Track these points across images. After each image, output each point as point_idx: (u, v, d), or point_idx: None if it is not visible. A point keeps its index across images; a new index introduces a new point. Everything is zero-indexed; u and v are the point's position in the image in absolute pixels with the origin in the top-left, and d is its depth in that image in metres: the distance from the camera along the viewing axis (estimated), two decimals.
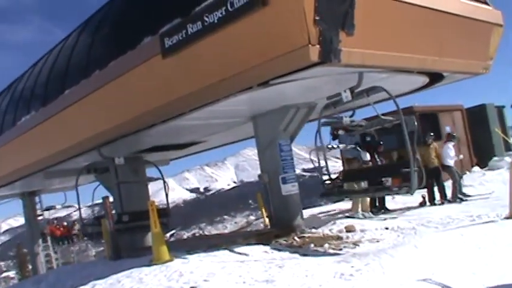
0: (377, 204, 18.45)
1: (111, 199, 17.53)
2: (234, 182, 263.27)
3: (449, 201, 18.18)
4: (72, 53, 17.22)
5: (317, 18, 9.38)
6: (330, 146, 14.03)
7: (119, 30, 14.85)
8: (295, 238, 13.41)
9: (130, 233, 17.59)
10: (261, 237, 13.73)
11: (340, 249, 11.70)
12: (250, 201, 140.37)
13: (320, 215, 18.78)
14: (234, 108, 13.52)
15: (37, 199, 30.09)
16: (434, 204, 18.05)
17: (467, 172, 25.67)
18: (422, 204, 18.34)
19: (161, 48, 12.06)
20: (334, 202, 21.30)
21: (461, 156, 20.47)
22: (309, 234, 14.05)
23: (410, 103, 24.69)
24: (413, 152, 10.98)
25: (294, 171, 15.14)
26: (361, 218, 16.29)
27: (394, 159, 19.73)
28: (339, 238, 13.21)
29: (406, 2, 11.28)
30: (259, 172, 15.69)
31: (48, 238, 28.93)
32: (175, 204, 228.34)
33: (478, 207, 15.32)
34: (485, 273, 8.59)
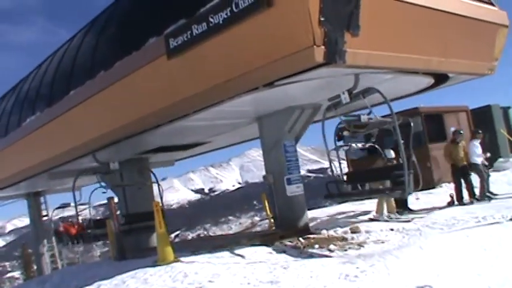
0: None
1: (116, 200, 17.63)
2: (239, 183, 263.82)
3: (478, 200, 17.42)
4: (78, 53, 17.25)
5: (322, 19, 9.37)
6: (347, 146, 13.98)
7: (124, 31, 14.86)
8: (300, 239, 13.40)
9: (135, 234, 17.66)
10: (266, 238, 13.72)
11: (345, 250, 11.69)
12: (255, 202, 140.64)
13: (339, 217, 18.22)
14: (239, 109, 13.52)
15: (42, 199, 30.17)
16: (463, 204, 17.26)
17: (472, 173, 25.61)
18: (450, 204, 17.57)
19: (166, 49, 12.06)
20: (339, 203, 21.11)
21: (488, 154, 19.63)
22: (314, 235, 14.03)
23: (415, 104, 24.57)
24: (409, 154, 10.98)
25: (299, 172, 15.14)
26: (387, 220, 15.68)
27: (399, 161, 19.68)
28: (344, 239, 13.18)
29: (411, 3, 11.26)
30: (264, 173, 15.69)
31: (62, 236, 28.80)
32: (180, 205, 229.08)
33: (483, 209, 15.27)
34: (490, 275, 8.58)
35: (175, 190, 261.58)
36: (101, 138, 15.64)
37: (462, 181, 17.69)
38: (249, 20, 10.15)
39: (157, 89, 13.15)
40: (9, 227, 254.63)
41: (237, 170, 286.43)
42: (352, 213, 18.45)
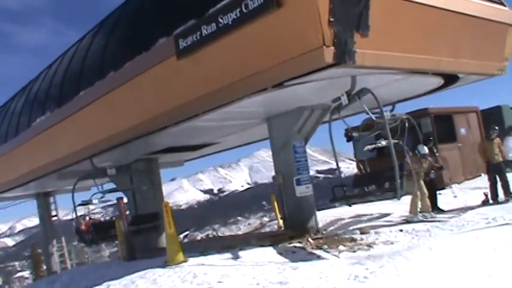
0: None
1: (125, 200, 17.67)
2: (248, 184, 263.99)
3: None
4: (87, 54, 17.28)
5: (331, 19, 9.36)
6: (370, 147, 13.96)
7: (134, 32, 14.88)
8: (309, 240, 13.38)
9: (144, 234, 17.72)
10: (275, 239, 13.71)
11: (354, 251, 11.66)
12: (264, 202, 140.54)
13: (362, 218, 17.71)
14: (248, 110, 13.52)
15: (51, 200, 30.26)
16: (498, 202, 16.77)
17: (482, 174, 25.50)
18: (485, 202, 17.08)
19: (176, 50, 12.07)
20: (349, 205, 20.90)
21: None
22: (323, 236, 14.01)
23: (425, 105, 24.54)
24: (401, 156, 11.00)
25: (308, 172, 15.12)
26: (422, 220, 15.20)
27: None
28: (353, 240, 13.15)
29: (420, 3, 11.23)
30: (273, 173, 15.69)
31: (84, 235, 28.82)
32: (189, 205, 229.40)
33: (493, 210, 15.21)
34: (501, 276, 8.55)
35: (185, 190, 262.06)
36: (110, 138, 15.67)
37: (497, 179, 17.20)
38: (258, 21, 10.14)
39: (167, 89, 13.17)
40: (19, 226, 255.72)
41: (246, 171, 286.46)
42: (371, 215, 18.11)
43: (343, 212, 18.21)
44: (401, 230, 13.70)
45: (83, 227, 23.53)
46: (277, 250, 12.31)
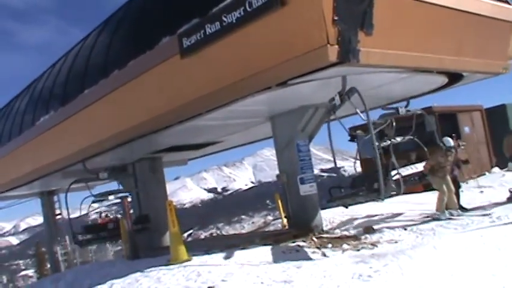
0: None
1: (129, 199, 17.69)
2: (252, 182, 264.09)
3: None
4: (91, 53, 17.30)
5: (336, 18, 9.36)
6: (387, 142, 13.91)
7: (138, 30, 14.89)
8: (313, 238, 13.37)
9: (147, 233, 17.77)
10: (279, 238, 13.71)
11: (358, 250, 11.65)
12: (268, 201, 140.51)
13: (374, 218, 17.29)
14: (252, 108, 13.51)
15: (55, 198, 30.28)
16: None
17: (487, 173, 25.51)
18: (510, 199, 16.61)
19: (179, 48, 12.08)
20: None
21: None
22: (327, 235, 14.01)
23: (429, 103, 24.55)
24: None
25: (312, 171, 15.10)
26: (450, 218, 14.63)
27: (412, 160, 19.50)
28: (357, 239, 13.14)
29: (424, 2, 11.22)
30: (277, 172, 15.67)
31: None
32: (192, 204, 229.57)
33: (497, 209, 15.18)
34: (505, 275, 8.52)
35: (188, 189, 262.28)
36: (114, 137, 15.68)
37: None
38: (262, 19, 10.15)
39: (171, 88, 13.18)
40: (23, 225, 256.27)
41: (250, 169, 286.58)
42: (387, 215, 17.71)
43: (356, 211, 18.11)
44: (405, 229, 13.69)
45: (100, 223, 23.61)
46: (281, 249, 12.31)
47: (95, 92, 16.02)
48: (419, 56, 11.52)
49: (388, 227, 14.28)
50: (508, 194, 16.98)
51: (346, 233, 14.43)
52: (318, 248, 12.38)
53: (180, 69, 12.43)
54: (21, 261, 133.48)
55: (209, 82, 11.86)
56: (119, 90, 14.80)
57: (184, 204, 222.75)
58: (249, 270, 10.06)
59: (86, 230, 20.26)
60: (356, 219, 17.21)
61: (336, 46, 9.40)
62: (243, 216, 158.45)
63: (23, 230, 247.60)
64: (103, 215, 21.91)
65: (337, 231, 14.75)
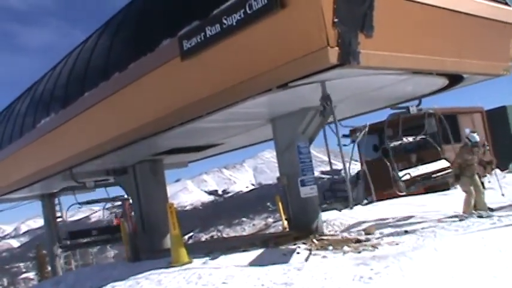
0: None
1: (130, 201, 17.72)
2: (253, 185, 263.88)
3: None
4: (92, 55, 17.31)
5: (336, 20, 9.36)
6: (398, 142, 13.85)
7: (138, 33, 14.90)
8: (314, 241, 13.37)
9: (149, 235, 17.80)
10: (280, 240, 13.71)
11: (359, 252, 11.64)
12: (268, 203, 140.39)
13: (387, 221, 16.94)
14: (252, 111, 13.51)
15: (56, 201, 30.27)
16: None
17: (488, 174, 25.45)
18: None
19: (180, 51, 12.08)
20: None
21: None
22: (328, 237, 14.00)
23: (429, 105, 24.50)
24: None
25: (313, 173, 15.08)
26: (480, 217, 14.17)
27: (413, 162, 19.50)
28: (358, 241, 13.13)
29: (425, 4, 11.23)
30: (277, 174, 15.68)
31: None
32: (193, 206, 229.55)
33: (499, 211, 15.18)
34: (506, 277, 8.52)
35: (189, 191, 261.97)
36: (115, 139, 15.69)
37: None
38: (262, 21, 10.15)
39: (171, 90, 13.19)
40: (24, 228, 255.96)
41: (250, 172, 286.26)
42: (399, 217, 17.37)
43: (365, 214, 18.07)
44: (406, 231, 13.69)
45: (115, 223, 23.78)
46: (282, 251, 12.31)
47: (95, 95, 16.03)
48: (420, 58, 11.51)
49: (389, 229, 14.29)
50: None
51: (346, 235, 14.43)
52: (318, 249, 12.39)
53: (181, 72, 12.44)
54: (22, 264, 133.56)
55: (209, 84, 11.87)
56: (119, 92, 14.81)
57: (185, 207, 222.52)
58: (249, 273, 10.06)
59: (70, 236, 20.63)
60: (364, 222, 17.17)
61: (336, 48, 9.40)
62: (243, 219, 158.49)
63: (24, 232, 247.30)
64: (118, 215, 22.14)
65: (338, 233, 14.74)
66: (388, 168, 13.69)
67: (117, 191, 21.86)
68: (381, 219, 16.74)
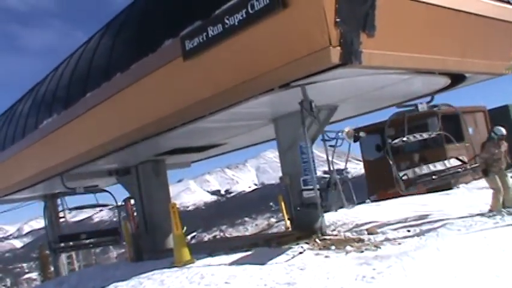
0: None
1: (132, 201, 17.72)
2: (255, 184, 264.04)
3: None
4: (94, 56, 17.31)
5: (338, 19, 9.35)
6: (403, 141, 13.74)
7: (140, 33, 14.89)
8: (317, 240, 13.37)
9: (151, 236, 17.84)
10: (283, 240, 13.71)
11: (362, 252, 11.64)
12: (271, 203, 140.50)
13: (390, 221, 16.55)
14: (255, 111, 13.51)
15: (59, 201, 30.27)
16: None
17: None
18: None
19: (182, 51, 12.07)
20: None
21: None
22: (330, 237, 14.00)
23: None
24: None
25: (315, 173, 15.08)
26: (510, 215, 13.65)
27: (415, 161, 19.47)
28: (361, 240, 13.14)
29: (427, 3, 11.21)
30: (280, 174, 15.67)
31: None
32: (196, 206, 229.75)
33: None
34: (509, 276, 8.50)
35: (192, 192, 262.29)
36: (117, 140, 15.69)
37: None
38: (264, 22, 10.15)
39: (173, 90, 13.18)
40: (27, 228, 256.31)
41: (253, 172, 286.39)
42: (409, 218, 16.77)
43: (368, 214, 18.03)
44: (408, 230, 13.69)
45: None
46: (284, 251, 12.30)
47: (97, 95, 16.03)
48: (421, 58, 11.49)
49: (391, 229, 14.28)
50: None
51: (349, 234, 14.42)
52: (321, 249, 12.38)
53: (183, 72, 12.43)
54: (24, 264, 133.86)
55: (212, 84, 11.86)
56: (121, 93, 14.80)
57: (188, 207, 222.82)
58: (252, 273, 10.06)
59: (60, 239, 21.06)
60: (367, 222, 17.12)
61: (338, 48, 9.39)
62: (246, 219, 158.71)
63: (27, 233, 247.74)
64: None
65: (341, 233, 14.72)
66: (391, 167, 13.63)
67: (106, 197, 22.58)
68: (384, 219, 16.69)
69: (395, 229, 14.20)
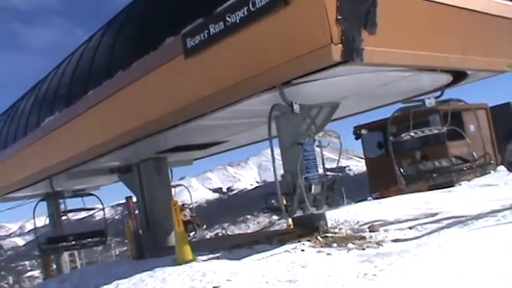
0: None
1: (134, 199, 17.74)
2: (257, 182, 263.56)
3: None
4: (95, 54, 17.33)
5: (339, 17, 9.35)
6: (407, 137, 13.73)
7: (142, 31, 14.91)
8: (318, 238, 13.36)
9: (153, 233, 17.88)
10: (284, 237, 13.70)
11: (364, 249, 11.63)
12: (273, 201, 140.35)
13: (391, 218, 16.60)
14: (256, 108, 13.49)
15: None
16: None
17: (492, 171, 25.38)
18: None
19: (183, 49, 12.09)
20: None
21: None
22: (332, 234, 13.98)
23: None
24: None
25: (317, 171, 15.07)
26: None
27: (417, 159, 19.45)
28: (362, 238, 13.14)
29: (429, 0, 11.21)
30: (282, 172, 15.66)
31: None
32: (198, 204, 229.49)
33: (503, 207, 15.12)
34: (511, 274, 8.49)
35: (194, 189, 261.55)
36: (119, 137, 15.71)
37: None
38: (266, 19, 10.16)
39: (175, 88, 13.19)
40: (29, 226, 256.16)
41: (255, 169, 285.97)
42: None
43: (370, 211, 18.01)
44: (410, 228, 13.68)
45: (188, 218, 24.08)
46: (286, 248, 12.30)
47: (99, 93, 16.06)
48: (423, 55, 11.48)
49: (393, 226, 14.27)
50: None
51: (351, 232, 14.42)
52: (323, 247, 12.38)
53: (184, 70, 12.45)
54: (27, 262, 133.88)
55: (213, 82, 11.87)
56: (123, 90, 14.83)
57: (190, 205, 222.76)
58: (254, 270, 10.06)
59: (48, 241, 21.71)
60: (369, 219, 17.07)
61: (340, 45, 9.39)
62: (248, 216, 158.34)
63: (29, 230, 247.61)
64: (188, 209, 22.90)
65: (342, 230, 14.71)
66: (393, 165, 13.62)
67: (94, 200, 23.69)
68: (385, 217, 16.68)
69: (397, 227, 14.18)
